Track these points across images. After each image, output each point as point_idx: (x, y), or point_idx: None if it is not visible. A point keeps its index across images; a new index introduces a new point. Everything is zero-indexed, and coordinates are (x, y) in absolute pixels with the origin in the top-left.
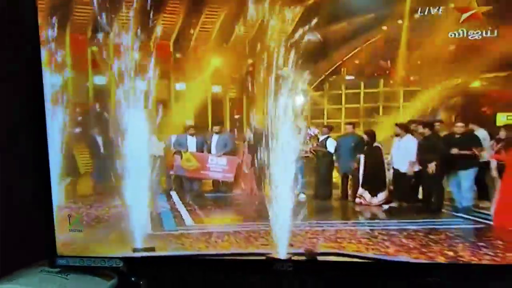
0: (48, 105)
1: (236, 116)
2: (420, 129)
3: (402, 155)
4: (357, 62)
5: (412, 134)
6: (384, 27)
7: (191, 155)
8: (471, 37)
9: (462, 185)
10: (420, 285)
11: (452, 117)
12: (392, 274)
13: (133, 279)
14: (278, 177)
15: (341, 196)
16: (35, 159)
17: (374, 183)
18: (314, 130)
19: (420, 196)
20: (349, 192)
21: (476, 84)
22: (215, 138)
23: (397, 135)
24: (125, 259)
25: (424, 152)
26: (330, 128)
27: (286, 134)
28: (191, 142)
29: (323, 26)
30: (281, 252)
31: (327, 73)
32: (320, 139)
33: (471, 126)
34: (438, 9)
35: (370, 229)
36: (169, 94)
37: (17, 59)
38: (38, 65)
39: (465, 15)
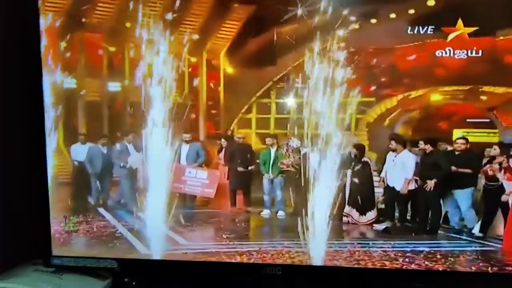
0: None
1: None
2: (422, 145)
3: (398, 171)
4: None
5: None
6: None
7: None
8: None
9: (461, 205)
10: None
11: (409, 131)
12: (382, 279)
13: (126, 279)
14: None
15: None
16: (32, 155)
17: (362, 201)
18: (296, 142)
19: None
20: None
21: (436, 97)
22: (185, 148)
23: (393, 150)
24: (119, 260)
25: (425, 169)
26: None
27: None
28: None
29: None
30: None
31: (274, 80)
32: (303, 152)
33: None
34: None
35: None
36: None
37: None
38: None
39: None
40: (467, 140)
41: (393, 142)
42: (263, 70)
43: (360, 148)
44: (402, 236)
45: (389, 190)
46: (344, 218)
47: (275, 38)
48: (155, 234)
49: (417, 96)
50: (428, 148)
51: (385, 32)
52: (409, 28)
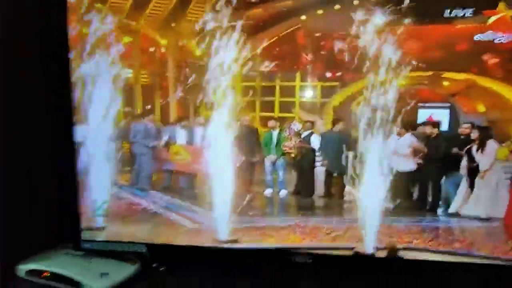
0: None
1: None
2: (429, 129)
3: (398, 153)
4: (275, 52)
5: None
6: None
7: (181, 147)
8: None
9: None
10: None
11: None
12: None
13: (154, 265)
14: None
15: (325, 193)
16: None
17: None
18: (297, 126)
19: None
20: (333, 190)
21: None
22: (200, 130)
23: (397, 134)
24: (148, 245)
25: (430, 151)
26: (313, 123)
27: None
28: (181, 135)
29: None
30: None
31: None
32: (303, 135)
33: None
34: None
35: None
36: None
37: None
38: None
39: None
40: (473, 125)
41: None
42: None
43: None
44: (407, 214)
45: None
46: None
47: None
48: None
49: None
50: (434, 132)
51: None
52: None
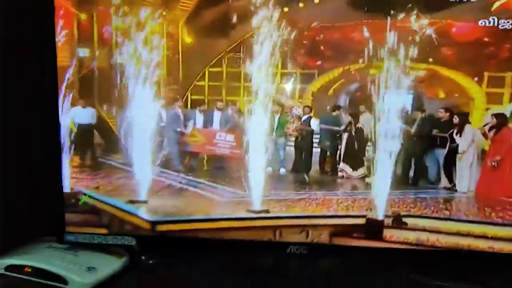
0: None
1: None
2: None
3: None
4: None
5: None
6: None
7: (196, 131)
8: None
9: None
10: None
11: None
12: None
13: (143, 257)
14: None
15: (320, 170)
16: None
17: (355, 159)
18: (298, 110)
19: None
20: (326, 167)
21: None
22: (217, 114)
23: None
24: (137, 237)
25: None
26: (311, 109)
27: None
28: (199, 119)
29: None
30: None
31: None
32: (303, 119)
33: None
34: None
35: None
36: None
37: None
38: None
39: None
40: (445, 109)
41: None
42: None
43: (355, 115)
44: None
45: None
46: (339, 173)
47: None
48: None
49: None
50: (419, 115)
51: None
52: None
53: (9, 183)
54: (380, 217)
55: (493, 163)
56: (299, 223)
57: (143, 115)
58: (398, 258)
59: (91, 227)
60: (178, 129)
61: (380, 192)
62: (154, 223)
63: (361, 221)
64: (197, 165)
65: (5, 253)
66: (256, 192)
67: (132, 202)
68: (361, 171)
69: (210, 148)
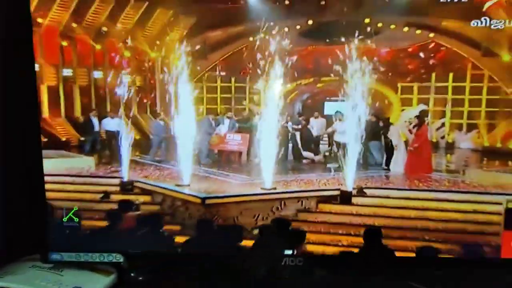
0: None
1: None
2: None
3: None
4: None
5: None
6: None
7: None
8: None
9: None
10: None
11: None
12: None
13: (132, 274)
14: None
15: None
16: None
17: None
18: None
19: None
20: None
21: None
22: (226, 121)
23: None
24: (126, 255)
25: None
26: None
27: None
28: (226, 123)
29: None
30: None
31: (207, 69)
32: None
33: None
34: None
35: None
36: None
37: None
38: None
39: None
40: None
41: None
42: None
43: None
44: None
45: (336, 143)
46: (304, 161)
47: None
48: None
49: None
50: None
51: None
52: None
53: (9, 183)
54: (349, 189)
55: (413, 149)
56: (296, 196)
57: (185, 124)
58: (396, 267)
59: None
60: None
61: (348, 173)
62: (203, 199)
63: (337, 192)
64: (214, 158)
65: (5, 254)
66: (267, 175)
67: (178, 185)
68: (318, 157)
69: (223, 146)
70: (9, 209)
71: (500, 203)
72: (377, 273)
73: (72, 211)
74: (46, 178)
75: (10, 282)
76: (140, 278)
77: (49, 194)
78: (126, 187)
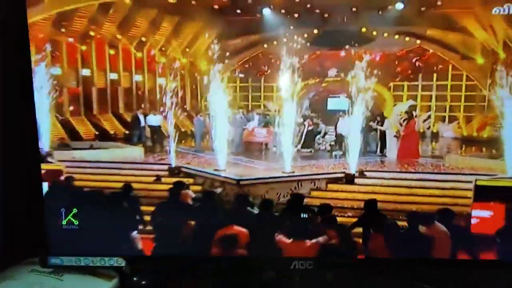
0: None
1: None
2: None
3: (342, 126)
4: (246, 66)
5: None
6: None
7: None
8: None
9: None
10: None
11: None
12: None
13: (135, 278)
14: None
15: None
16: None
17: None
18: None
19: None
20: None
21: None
22: (256, 117)
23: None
24: (127, 259)
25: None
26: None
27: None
28: (255, 119)
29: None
30: None
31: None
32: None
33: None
34: None
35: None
36: None
37: None
38: None
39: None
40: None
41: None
42: None
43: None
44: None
45: (339, 135)
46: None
47: None
48: None
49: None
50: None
51: None
52: None
53: (9, 183)
54: (352, 172)
55: (403, 138)
56: (310, 178)
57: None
58: (403, 268)
59: None
60: (244, 127)
61: (351, 160)
62: (238, 180)
63: (342, 175)
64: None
65: (5, 254)
66: (287, 161)
67: (216, 170)
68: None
69: (252, 138)
70: (9, 209)
71: (471, 182)
72: (377, 273)
73: (71, 214)
74: (105, 165)
75: (8, 287)
76: (143, 282)
77: (107, 178)
78: (174, 171)
